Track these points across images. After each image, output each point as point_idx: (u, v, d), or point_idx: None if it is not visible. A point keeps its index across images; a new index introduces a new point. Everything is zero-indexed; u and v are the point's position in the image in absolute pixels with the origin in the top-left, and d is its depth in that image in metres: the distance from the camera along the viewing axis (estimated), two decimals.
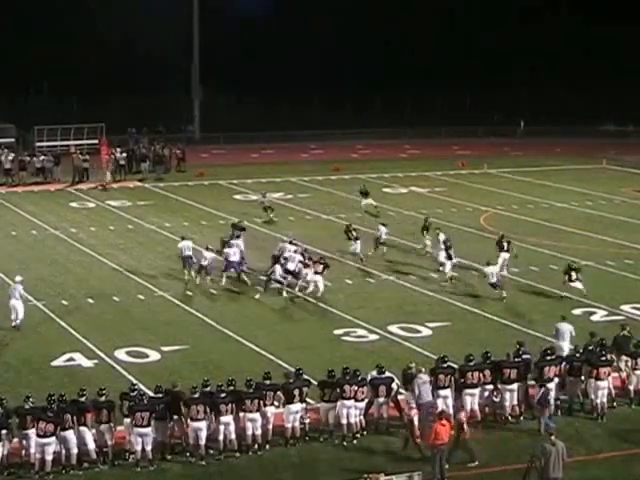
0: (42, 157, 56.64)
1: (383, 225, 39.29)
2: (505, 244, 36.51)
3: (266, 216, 44.82)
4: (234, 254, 34.73)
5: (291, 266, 33.88)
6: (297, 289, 33.56)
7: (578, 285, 33.57)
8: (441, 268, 35.67)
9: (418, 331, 30.11)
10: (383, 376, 23.24)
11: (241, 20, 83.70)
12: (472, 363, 23.61)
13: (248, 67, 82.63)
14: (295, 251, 34.77)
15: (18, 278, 31.22)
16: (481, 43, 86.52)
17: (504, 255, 36.28)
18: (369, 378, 23.20)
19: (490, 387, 23.60)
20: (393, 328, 30.24)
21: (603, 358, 24.07)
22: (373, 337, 29.67)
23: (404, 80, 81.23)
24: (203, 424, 21.77)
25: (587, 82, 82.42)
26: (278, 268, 33.83)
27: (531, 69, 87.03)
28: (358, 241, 37.87)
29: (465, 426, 21.54)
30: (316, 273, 33.57)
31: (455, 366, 23.84)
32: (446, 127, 74.85)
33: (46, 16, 79.99)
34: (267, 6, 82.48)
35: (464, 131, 74.40)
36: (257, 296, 33.55)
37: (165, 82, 77.83)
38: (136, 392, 22.22)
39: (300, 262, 33.91)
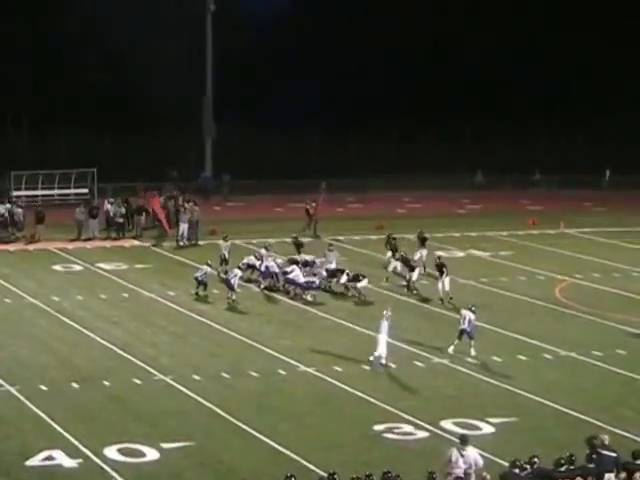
0: (18, 209, 56.08)
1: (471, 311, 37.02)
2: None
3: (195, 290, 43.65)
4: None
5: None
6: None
7: (445, 285, 43.02)
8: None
9: (478, 428, 30.02)
10: None
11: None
12: (563, 469, 23.44)
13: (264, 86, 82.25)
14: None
15: None
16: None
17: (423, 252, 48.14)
18: None
19: None
20: (446, 424, 30.16)
21: None
22: (422, 434, 29.60)
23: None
24: None
25: None
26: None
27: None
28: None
29: None
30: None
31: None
32: (514, 175, 75.06)
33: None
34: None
35: (535, 181, 74.57)
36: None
37: (173, 115, 77.45)
38: None
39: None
